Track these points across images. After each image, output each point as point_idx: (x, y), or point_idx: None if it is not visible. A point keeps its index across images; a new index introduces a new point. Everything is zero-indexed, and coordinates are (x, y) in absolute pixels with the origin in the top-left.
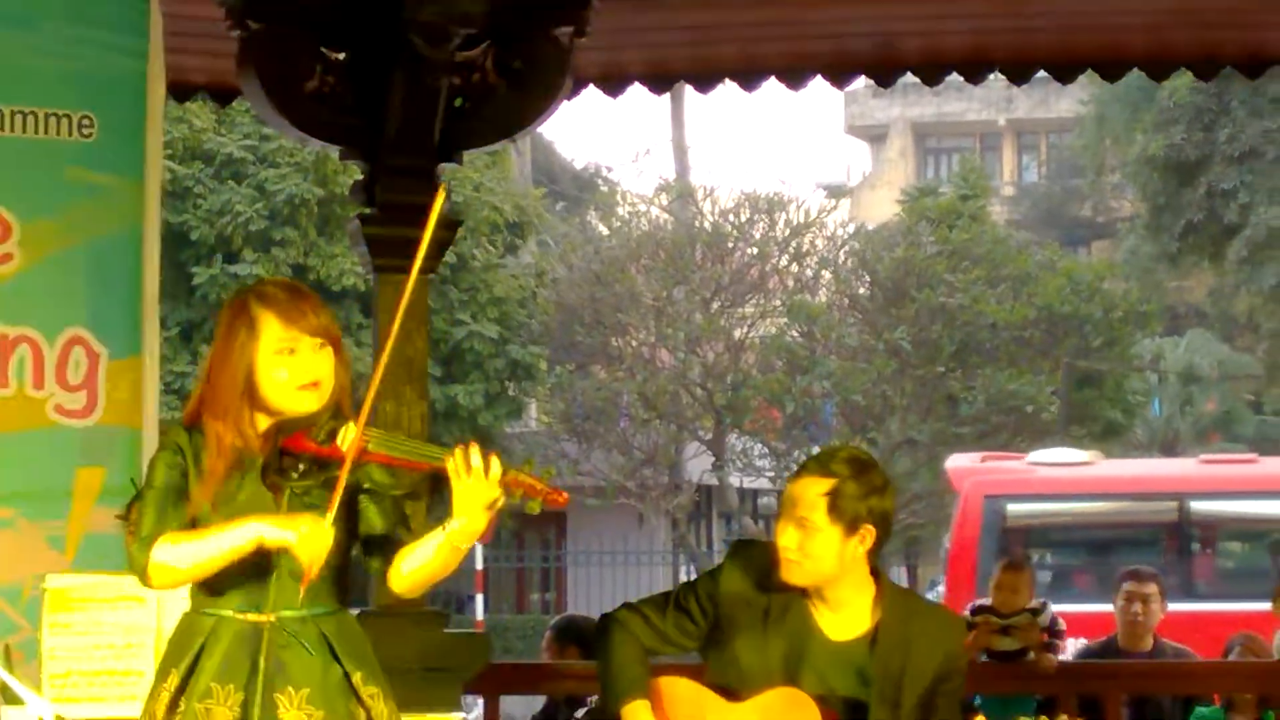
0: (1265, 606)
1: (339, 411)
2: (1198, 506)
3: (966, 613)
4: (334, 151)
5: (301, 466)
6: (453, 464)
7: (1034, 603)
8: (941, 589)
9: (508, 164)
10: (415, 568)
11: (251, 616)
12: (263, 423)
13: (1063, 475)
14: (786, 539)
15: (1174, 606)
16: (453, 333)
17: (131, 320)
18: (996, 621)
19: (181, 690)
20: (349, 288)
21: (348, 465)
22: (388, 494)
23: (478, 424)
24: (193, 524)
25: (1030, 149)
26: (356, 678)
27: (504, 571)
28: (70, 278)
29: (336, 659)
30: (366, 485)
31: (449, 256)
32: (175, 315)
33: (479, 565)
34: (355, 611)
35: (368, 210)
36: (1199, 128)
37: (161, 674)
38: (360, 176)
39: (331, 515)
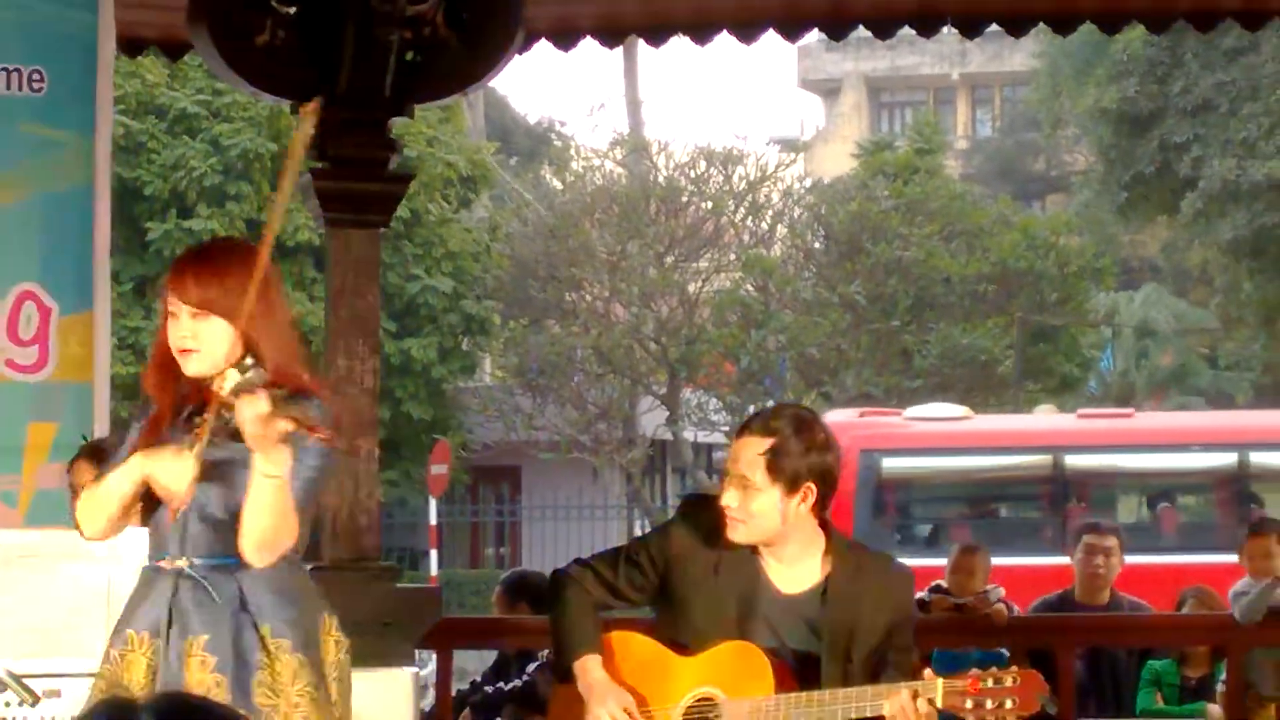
0: (1145, 559)
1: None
2: (1073, 461)
3: (925, 595)
4: (285, 105)
5: (210, 417)
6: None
7: (987, 587)
8: None
9: (461, 119)
10: (247, 518)
11: (165, 564)
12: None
13: (939, 430)
14: (729, 498)
15: (1049, 560)
16: (407, 287)
17: (83, 275)
18: (950, 602)
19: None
20: (303, 242)
21: (213, 406)
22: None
23: (431, 378)
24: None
25: (984, 103)
26: (264, 629)
27: (458, 526)
28: (21, 233)
29: (245, 608)
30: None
31: (403, 211)
32: (129, 270)
33: (433, 520)
34: (308, 567)
35: (319, 164)
36: (1152, 80)
37: (118, 627)
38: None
39: (198, 448)
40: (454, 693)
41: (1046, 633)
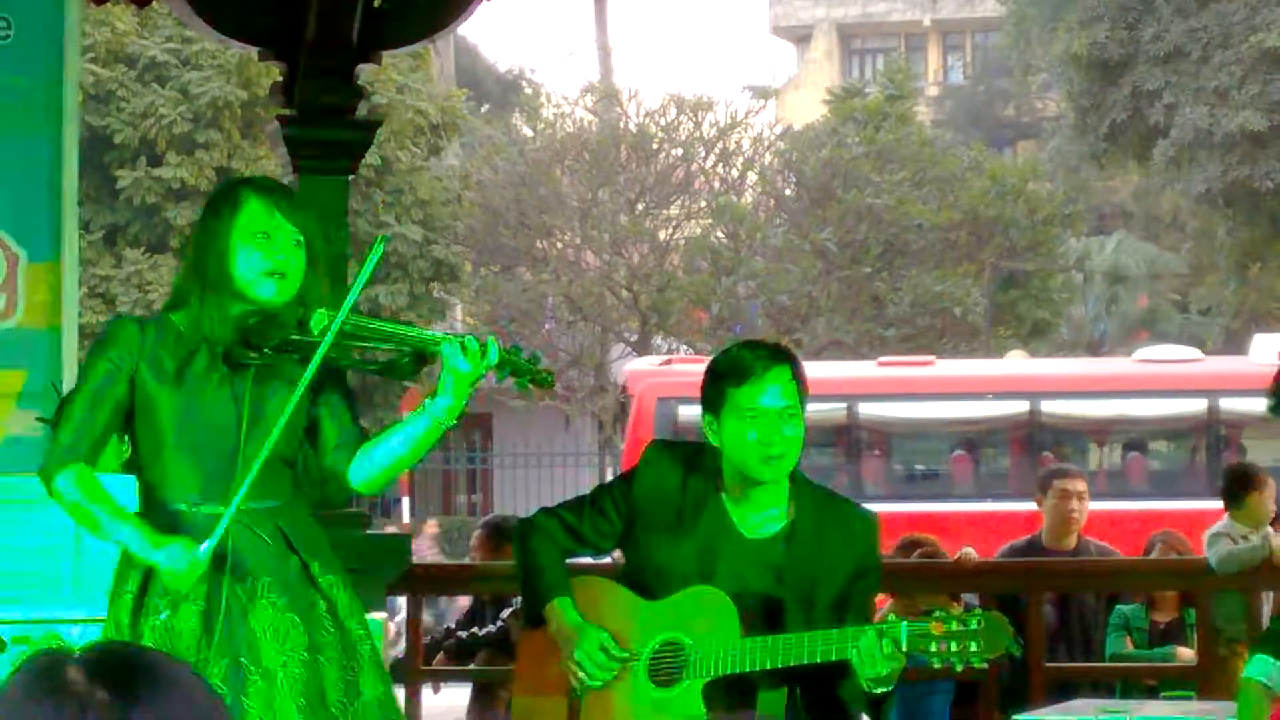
0: (941, 507)
1: (303, 305)
2: (867, 409)
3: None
4: (253, 53)
5: (266, 350)
6: (450, 345)
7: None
8: None
9: (430, 66)
10: (392, 452)
11: (206, 509)
12: (233, 308)
13: None
14: (785, 434)
15: None
16: (377, 234)
17: (51, 223)
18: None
19: (144, 590)
20: None
21: (329, 341)
22: (342, 400)
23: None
24: (130, 411)
25: (955, 49)
26: (314, 567)
27: (430, 474)
28: None
29: (293, 549)
30: (324, 391)
31: (372, 158)
32: (99, 219)
33: None
34: None
35: (287, 111)
36: (1123, 26)
37: (120, 578)
38: (280, 78)
39: (210, 545)
40: (426, 639)
41: (1015, 577)
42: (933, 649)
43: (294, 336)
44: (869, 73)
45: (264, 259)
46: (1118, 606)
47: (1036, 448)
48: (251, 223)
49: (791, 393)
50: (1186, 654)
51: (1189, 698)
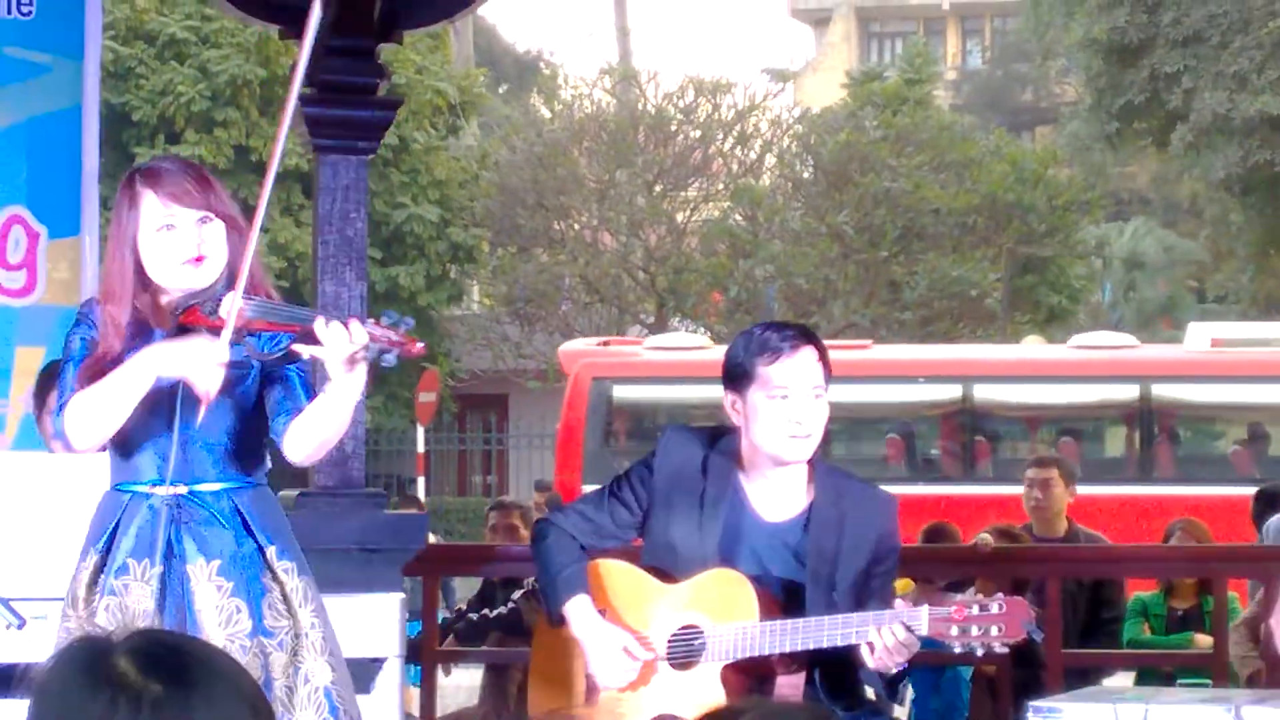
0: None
1: (231, 283)
2: None
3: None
4: (273, 31)
5: (230, 319)
6: (319, 325)
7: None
8: None
9: (449, 47)
10: (312, 425)
11: (163, 490)
12: (163, 299)
13: (673, 359)
14: (813, 415)
15: None
16: (394, 215)
17: (71, 199)
18: None
19: (101, 568)
20: (291, 168)
21: (229, 326)
22: (281, 366)
23: (418, 306)
24: None
25: (974, 33)
26: (270, 551)
27: (445, 454)
28: (9, 157)
29: (249, 532)
30: (278, 365)
31: (390, 138)
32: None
33: (420, 448)
34: (295, 493)
35: (307, 90)
36: (1142, 10)
37: (82, 553)
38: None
39: (226, 333)
40: (439, 620)
41: (1034, 563)
42: (953, 633)
43: (212, 325)
44: (887, 56)
45: (173, 251)
46: (1136, 593)
47: (970, 433)
48: (151, 219)
49: (819, 373)
50: (1204, 641)
51: (1205, 684)
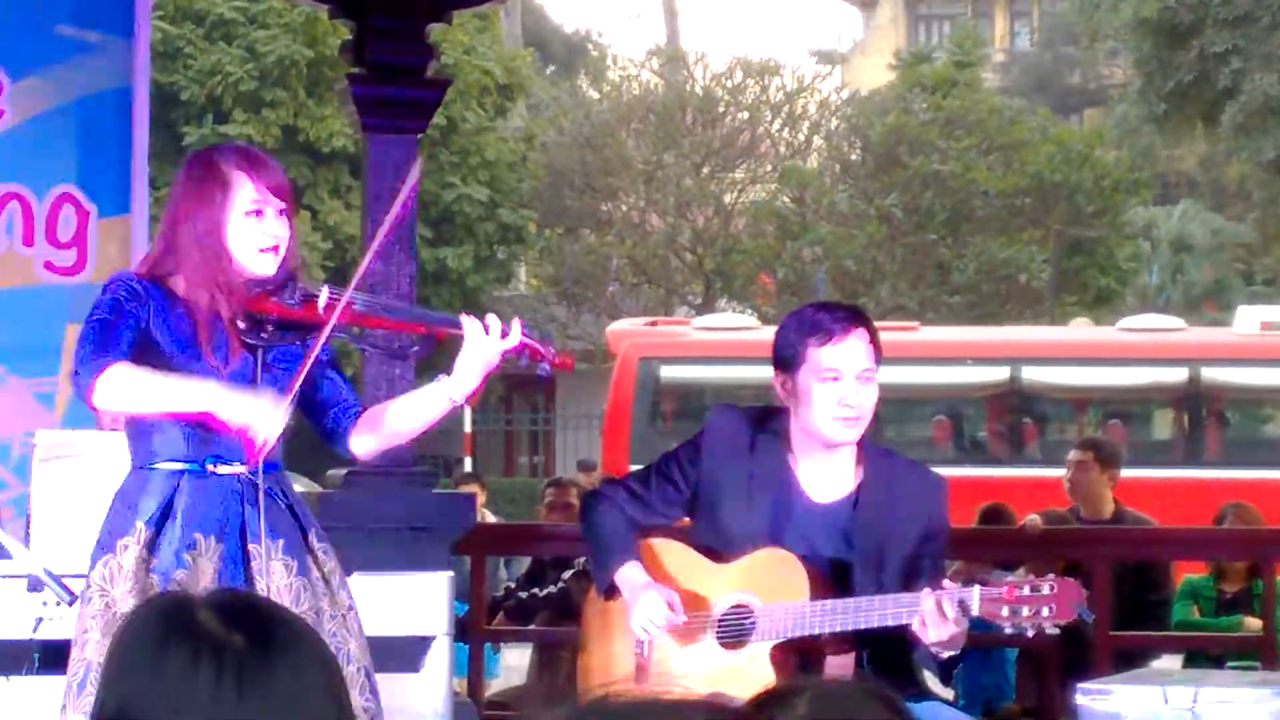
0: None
1: (293, 276)
2: None
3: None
4: (323, 11)
5: (269, 328)
6: (470, 327)
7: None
8: None
9: (498, 27)
10: (397, 423)
11: (224, 469)
12: (230, 279)
13: (721, 340)
14: (863, 397)
15: None
16: (442, 195)
17: (121, 178)
18: None
19: (154, 543)
20: (338, 149)
21: (330, 325)
22: (334, 363)
23: (466, 286)
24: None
25: (1022, 15)
26: (310, 534)
27: (492, 435)
28: (60, 135)
29: (294, 515)
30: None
31: (439, 119)
32: (165, 176)
33: (467, 428)
34: (344, 472)
35: (357, 70)
36: None
37: (119, 529)
38: (349, 37)
39: (288, 401)
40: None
41: (1083, 545)
42: (1004, 614)
43: (300, 316)
44: (935, 38)
45: (257, 237)
46: (1186, 575)
47: (1017, 415)
48: (243, 202)
49: (869, 355)
50: (1254, 624)
51: (1254, 668)
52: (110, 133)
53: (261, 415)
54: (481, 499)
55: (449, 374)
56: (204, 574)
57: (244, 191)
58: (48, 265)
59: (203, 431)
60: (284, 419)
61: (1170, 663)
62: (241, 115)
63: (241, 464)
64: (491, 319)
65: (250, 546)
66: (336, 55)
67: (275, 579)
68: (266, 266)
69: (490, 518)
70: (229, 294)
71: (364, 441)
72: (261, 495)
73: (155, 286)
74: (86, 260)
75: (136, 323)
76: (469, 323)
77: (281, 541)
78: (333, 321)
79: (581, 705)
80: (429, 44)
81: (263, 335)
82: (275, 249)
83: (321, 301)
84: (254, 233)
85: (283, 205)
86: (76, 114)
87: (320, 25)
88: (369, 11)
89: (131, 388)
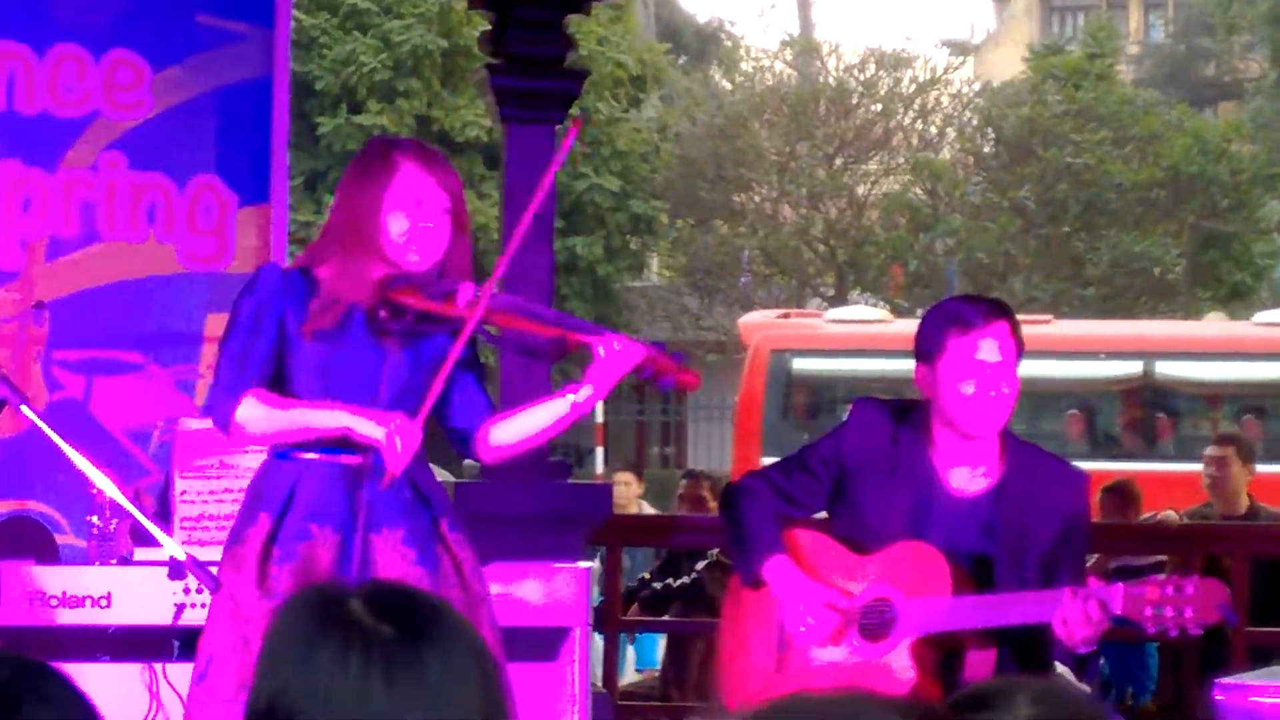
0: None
1: (444, 274)
2: None
3: None
4: (462, 1)
5: (409, 319)
6: (603, 344)
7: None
8: None
9: (632, 18)
10: (527, 430)
11: (343, 459)
12: (376, 271)
13: (853, 332)
14: (1004, 388)
15: None
16: (574, 186)
17: (261, 167)
18: None
19: (275, 534)
20: (472, 140)
21: (473, 323)
22: (475, 363)
23: (598, 276)
24: (282, 361)
25: (1157, 7)
26: (443, 522)
27: (624, 425)
28: (200, 124)
29: (423, 503)
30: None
31: (572, 109)
32: (300, 165)
33: (599, 419)
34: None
35: (495, 60)
36: None
37: (246, 519)
38: (487, 27)
39: (421, 419)
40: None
41: (1221, 540)
42: (1147, 613)
43: (439, 310)
44: (1069, 30)
45: (415, 228)
46: None
47: (1151, 409)
48: (404, 189)
49: (1010, 348)
50: None
51: None
52: (250, 122)
53: (397, 431)
54: (637, 490)
55: (578, 366)
56: (320, 563)
57: (409, 181)
58: (188, 254)
59: None
60: (419, 432)
61: None
62: (375, 105)
63: (354, 454)
64: (622, 338)
65: (373, 536)
66: (471, 45)
67: (390, 568)
68: (418, 262)
69: (647, 509)
70: (360, 282)
71: (496, 447)
72: (366, 485)
73: (302, 278)
74: (227, 249)
75: (275, 324)
76: (603, 343)
77: (401, 530)
78: (475, 319)
79: (776, 703)
80: (567, 35)
81: (402, 326)
82: (429, 244)
83: (463, 297)
84: (411, 224)
85: (448, 205)
86: (217, 104)
87: (455, 15)
88: (510, 2)
89: (266, 422)
